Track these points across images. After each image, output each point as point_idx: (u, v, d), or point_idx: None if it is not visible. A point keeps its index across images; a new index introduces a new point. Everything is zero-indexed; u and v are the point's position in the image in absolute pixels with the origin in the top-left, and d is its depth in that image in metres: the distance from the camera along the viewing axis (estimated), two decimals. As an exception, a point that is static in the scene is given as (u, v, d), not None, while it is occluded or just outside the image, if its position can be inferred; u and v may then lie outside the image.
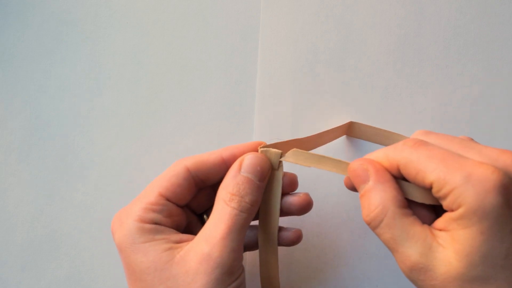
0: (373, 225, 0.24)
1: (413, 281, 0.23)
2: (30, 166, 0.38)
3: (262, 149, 0.27)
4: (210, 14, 0.39)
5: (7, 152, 0.38)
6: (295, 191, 0.30)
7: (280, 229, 0.30)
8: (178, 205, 0.27)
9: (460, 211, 0.21)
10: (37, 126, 0.38)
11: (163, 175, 0.27)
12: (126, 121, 0.38)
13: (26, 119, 0.39)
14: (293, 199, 0.29)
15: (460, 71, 0.38)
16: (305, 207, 0.29)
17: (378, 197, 0.23)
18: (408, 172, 0.23)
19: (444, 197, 0.21)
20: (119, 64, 0.39)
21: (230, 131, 0.38)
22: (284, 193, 0.29)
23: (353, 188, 0.27)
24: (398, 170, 0.23)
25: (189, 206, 0.29)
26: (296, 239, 0.30)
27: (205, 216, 0.30)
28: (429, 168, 0.22)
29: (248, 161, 0.26)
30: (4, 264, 0.37)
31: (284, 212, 0.29)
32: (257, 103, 0.38)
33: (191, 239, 0.25)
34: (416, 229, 0.23)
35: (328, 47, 0.38)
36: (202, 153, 0.28)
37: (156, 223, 0.25)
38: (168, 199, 0.26)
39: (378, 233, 0.24)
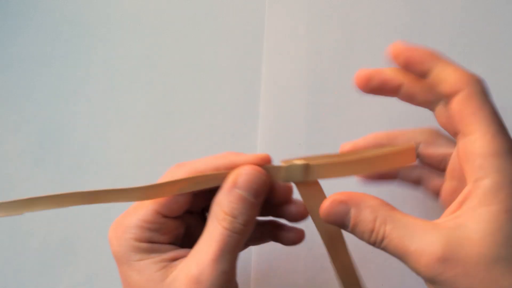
0: (379, 241, 0.22)
1: (431, 278, 0.21)
2: (45, 171, 0.38)
3: (283, 161, 0.25)
4: (221, 15, 0.39)
5: (22, 157, 0.38)
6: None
7: (282, 227, 0.29)
8: (175, 217, 0.26)
9: (486, 182, 0.20)
10: (52, 131, 0.38)
11: None
12: (140, 124, 0.38)
13: (40, 124, 0.39)
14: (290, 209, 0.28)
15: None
16: (300, 218, 0.29)
17: (369, 215, 0.23)
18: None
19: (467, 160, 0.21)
20: (132, 66, 0.39)
21: (245, 131, 0.38)
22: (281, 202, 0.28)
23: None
24: None
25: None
26: (297, 240, 0.29)
27: (207, 214, 0.28)
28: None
29: (243, 177, 0.24)
30: (22, 269, 0.37)
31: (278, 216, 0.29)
32: (261, 103, 0.38)
33: (187, 254, 0.24)
34: (419, 222, 0.22)
35: (332, 47, 0.39)
36: (196, 159, 0.26)
37: (152, 241, 0.25)
38: (164, 215, 0.25)
39: (386, 245, 0.22)
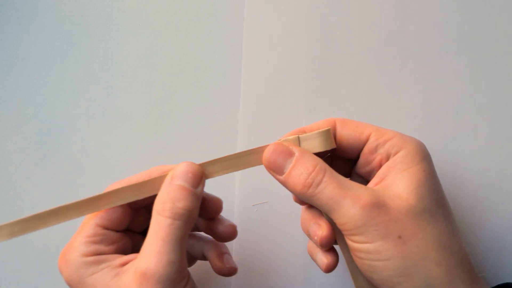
0: (316, 184, 0.24)
1: (365, 222, 0.23)
2: (45, 170, 0.38)
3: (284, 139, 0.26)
4: (220, 14, 0.39)
5: (22, 157, 0.38)
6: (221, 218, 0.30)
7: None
8: (118, 231, 0.27)
9: (402, 153, 0.24)
10: (52, 130, 0.39)
11: None
12: (140, 123, 0.39)
13: (40, 123, 0.39)
14: (221, 229, 0.29)
15: (443, 69, 0.38)
16: (230, 237, 0.30)
17: (311, 160, 0.25)
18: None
19: (383, 144, 0.25)
20: (132, 66, 0.39)
21: (245, 131, 0.38)
22: (209, 218, 0.30)
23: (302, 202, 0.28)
24: None
25: (130, 228, 0.29)
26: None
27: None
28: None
29: (179, 169, 0.25)
30: (22, 269, 0.37)
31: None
32: (241, 105, 0.38)
33: (135, 258, 0.25)
34: (351, 181, 0.24)
35: (310, 47, 0.39)
36: (132, 175, 0.28)
37: (99, 253, 0.25)
38: (106, 228, 0.26)
39: (322, 189, 0.24)
